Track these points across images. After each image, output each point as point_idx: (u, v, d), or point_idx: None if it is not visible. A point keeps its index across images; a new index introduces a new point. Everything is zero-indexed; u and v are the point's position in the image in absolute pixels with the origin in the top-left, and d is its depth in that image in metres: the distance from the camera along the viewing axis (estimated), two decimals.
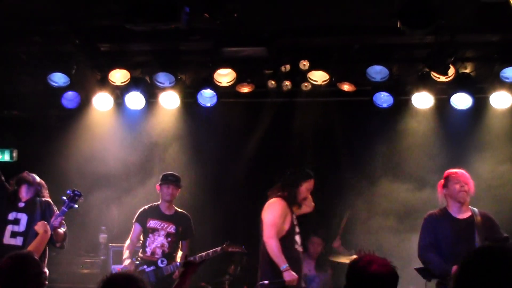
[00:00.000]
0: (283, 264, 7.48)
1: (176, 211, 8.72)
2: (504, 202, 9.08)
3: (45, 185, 7.99)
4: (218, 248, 8.34)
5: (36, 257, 5.05)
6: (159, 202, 8.68)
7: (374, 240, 9.36)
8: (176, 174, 8.68)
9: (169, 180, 8.60)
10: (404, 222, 9.25)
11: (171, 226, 8.57)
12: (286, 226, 7.81)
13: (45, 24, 8.37)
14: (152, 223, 8.59)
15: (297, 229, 7.95)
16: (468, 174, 7.23)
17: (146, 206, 8.72)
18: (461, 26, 7.94)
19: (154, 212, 8.65)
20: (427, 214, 7.29)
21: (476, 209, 7.16)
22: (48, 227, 7.51)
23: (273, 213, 7.79)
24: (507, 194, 9.33)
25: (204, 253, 8.22)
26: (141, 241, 8.57)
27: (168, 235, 8.55)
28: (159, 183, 8.66)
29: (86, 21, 8.31)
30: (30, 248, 7.22)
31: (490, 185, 9.18)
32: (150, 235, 8.55)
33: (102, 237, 9.69)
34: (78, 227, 9.67)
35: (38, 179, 7.95)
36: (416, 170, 9.76)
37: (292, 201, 7.93)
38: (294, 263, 7.64)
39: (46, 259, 7.64)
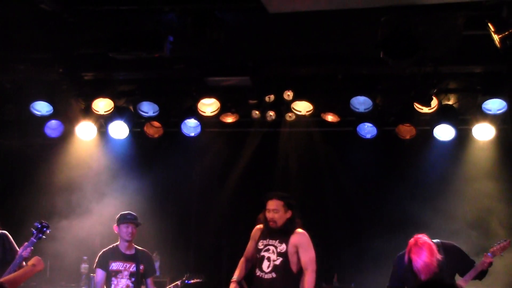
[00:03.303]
0: None
1: (136, 249, 8.55)
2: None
3: None
4: (178, 282, 8.26)
5: None
6: (118, 243, 8.52)
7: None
8: (133, 213, 8.56)
9: (128, 219, 8.42)
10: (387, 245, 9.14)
11: (133, 265, 8.39)
12: None
13: (29, 52, 8.34)
14: (114, 265, 8.40)
15: None
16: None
17: (105, 249, 8.54)
18: (444, 58, 7.96)
19: (115, 254, 8.44)
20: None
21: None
22: (42, 263, 7.40)
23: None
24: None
25: None
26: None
27: (131, 275, 8.40)
28: (117, 223, 8.52)
29: (70, 49, 8.29)
30: (10, 277, 7.06)
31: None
32: (113, 278, 8.35)
33: (84, 267, 9.54)
34: (59, 257, 9.58)
35: None
36: (400, 200, 9.68)
37: None
38: None
39: None
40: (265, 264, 7.50)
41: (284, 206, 7.53)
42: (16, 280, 7.07)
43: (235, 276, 7.73)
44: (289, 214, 7.55)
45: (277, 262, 7.44)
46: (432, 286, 2.74)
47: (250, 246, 7.82)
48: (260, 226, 7.80)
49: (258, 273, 7.52)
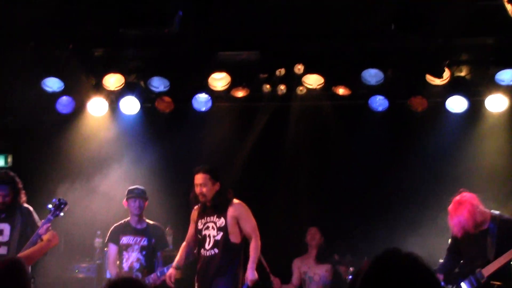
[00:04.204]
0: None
1: (147, 223, 8.64)
2: None
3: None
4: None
5: (24, 263, 5.00)
6: (128, 218, 8.62)
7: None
8: (140, 187, 8.61)
9: (135, 193, 8.54)
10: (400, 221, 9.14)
11: (144, 239, 8.50)
12: None
13: (39, 29, 8.32)
14: (124, 240, 8.52)
15: None
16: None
17: (116, 224, 8.66)
18: (455, 30, 7.90)
19: (126, 228, 8.57)
20: None
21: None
22: (56, 238, 7.47)
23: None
24: None
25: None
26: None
27: (142, 248, 8.49)
28: (125, 198, 8.60)
29: (79, 26, 8.27)
30: (26, 253, 7.13)
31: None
32: (124, 252, 8.48)
33: (98, 241, 9.59)
34: (73, 232, 9.66)
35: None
36: (412, 174, 9.67)
37: None
38: None
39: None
40: (207, 242, 7.58)
41: (211, 179, 7.57)
42: (32, 256, 7.18)
43: (175, 262, 7.82)
44: (217, 186, 7.61)
45: (218, 237, 7.53)
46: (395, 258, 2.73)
47: (190, 229, 7.88)
48: (197, 207, 7.83)
49: (202, 252, 7.60)
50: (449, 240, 7.24)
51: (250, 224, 7.59)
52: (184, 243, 7.94)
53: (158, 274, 8.20)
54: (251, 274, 7.40)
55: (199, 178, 7.57)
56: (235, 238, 7.55)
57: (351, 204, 9.72)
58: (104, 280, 8.35)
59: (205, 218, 7.67)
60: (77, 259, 9.90)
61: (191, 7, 7.44)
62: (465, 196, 6.89)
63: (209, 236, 7.56)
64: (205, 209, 7.68)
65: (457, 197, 6.89)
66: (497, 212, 6.94)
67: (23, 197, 7.76)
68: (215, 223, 7.58)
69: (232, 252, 7.56)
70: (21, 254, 7.04)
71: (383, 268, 2.64)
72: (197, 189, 7.58)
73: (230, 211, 7.59)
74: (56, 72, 9.10)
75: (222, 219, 7.55)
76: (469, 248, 6.86)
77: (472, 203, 6.80)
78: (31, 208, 7.71)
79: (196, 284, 7.74)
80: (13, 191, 7.64)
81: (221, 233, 7.52)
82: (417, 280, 2.60)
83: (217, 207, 7.62)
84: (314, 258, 9.58)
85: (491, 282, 6.72)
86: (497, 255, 6.71)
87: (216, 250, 7.49)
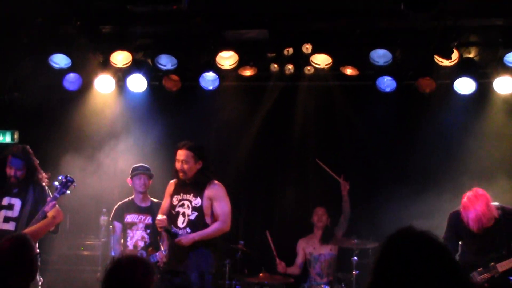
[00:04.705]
0: None
1: (152, 201, 8.67)
2: None
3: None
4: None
5: (30, 240, 5.04)
6: (133, 196, 8.64)
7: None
8: (145, 164, 8.64)
9: (140, 171, 8.58)
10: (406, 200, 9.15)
11: (148, 217, 8.54)
12: None
13: (46, 5, 8.31)
14: (129, 218, 8.56)
15: None
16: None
17: (121, 202, 8.69)
18: (464, 10, 7.87)
19: (130, 207, 8.60)
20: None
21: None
22: (61, 215, 7.50)
23: None
24: None
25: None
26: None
27: (146, 227, 8.53)
28: (130, 176, 8.62)
29: (87, 2, 8.27)
30: (31, 229, 7.18)
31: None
32: (129, 231, 8.52)
33: (103, 219, 9.60)
34: (78, 209, 9.70)
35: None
36: (419, 155, 9.67)
37: None
38: None
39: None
40: (180, 220, 7.40)
41: (194, 157, 7.38)
42: (37, 232, 7.24)
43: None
44: (199, 164, 7.40)
45: (192, 217, 7.37)
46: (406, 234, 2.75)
47: (165, 202, 7.69)
48: (174, 180, 7.69)
49: (173, 230, 7.39)
50: (445, 232, 7.26)
51: (222, 208, 7.40)
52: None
53: (164, 252, 8.20)
54: (184, 238, 7.22)
55: (181, 154, 7.38)
56: (209, 219, 7.37)
57: (358, 185, 9.71)
58: (109, 258, 8.37)
59: (181, 195, 7.49)
60: (83, 236, 9.98)
61: None
62: (480, 190, 6.98)
63: (183, 214, 7.40)
64: (183, 185, 7.49)
65: (471, 192, 6.94)
66: (497, 203, 7.02)
67: (41, 176, 7.76)
68: (190, 202, 7.41)
69: None
70: (27, 230, 7.08)
71: (398, 245, 2.67)
72: (178, 165, 7.39)
73: (207, 192, 7.41)
74: (64, 49, 9.13)
75: (199, 199, 7.38)
76: (482, 241, 6.89)
77: (487, 197, 6.92)
78: (45, 186, 7.72)
79: (166, 262, 7.70)
80: (27, 167, 7.66)
81: (196, 213, 7.36)
82: (432, 255, 2.62)
83: (196, 186, 7.43)
84: (319, 239, 9.62)
85: (509, 277, 6.87)
86: (509, 248, 6.88)
87: (189, 230, 7.31)
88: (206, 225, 7.34)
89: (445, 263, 2.64)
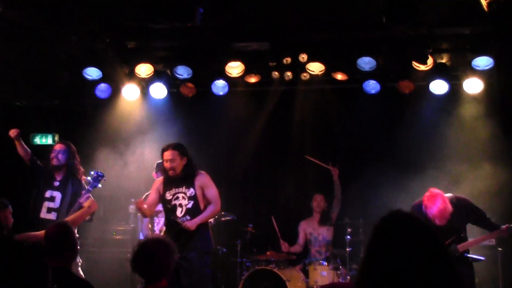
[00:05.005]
0: None
1: None
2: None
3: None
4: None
5: (71, 226, 5.18)
6: None
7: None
8: None
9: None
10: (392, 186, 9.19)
11: None
12: None
13: (79, 25, 8.40)
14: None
15: None
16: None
17: (147, 193, 8.68)
18: (437, 21, 7.92)
19: None
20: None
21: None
22: (95, 204, 7.56)
23: None
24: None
25: None
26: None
27: None
28: (155, 170, 8.64)
29: (114, 21, 8.34)
30: (70, 218, 7.24)
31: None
32: (156, 218, 8.43)
33: (132, 208, 9.71)
34: (110, 199, 9.81)
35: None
36: (401, 146, 9.72)
37: None
38: None
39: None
40: (178, 211, 7.33)
41: (179, 155, 7.32)
42: (76, 220, 7.31)
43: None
44: (184, 160, 7.35)
45: (189, 206, 7.30)
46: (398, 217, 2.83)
47: (151, 198, 7.55)
48: (160, 179, 7.65)
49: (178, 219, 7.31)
50: None
51: (212, 193, 7.36)
52: None
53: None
54: (189, 223, 7.15)
55: (168, 154, 7.32)
56: (202, 204, 7.33)
57: (350, 173, 9.78)
58: (137, 241, 8.42)
59: (173, 189, 7.40)
60: (114, 223, 10.04)
61: (211, 3, 7.47)
62: (435, 190, 6.99)
63: (180, 205, 7.31)
64: (173, 181, 7.42)
65: (428, 193, 6.95)
66: (450, 194, 7.08)
67: (80, 171, 7.82)
68: (185, 193, 7.33)
69: None
70: (67, 219, 7.13)
71: (390, 224, 2.76)
72: (167, 165, 7.32)
73: (197, 181, 7.36)
74: (95, 63, 9.22)
75: (191, 189, 7.31)
76: (444, 229, 6.87)
77: (442, 194, 6.93)
78: (82, 181, 7.78)
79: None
80: (69, 160, 7.73)
81: (192, 202, 7.29)
82: (418, 232, 2.76)
83: (185, 178, 7.36)
84: (318, 221, 9.70)
85: (465, 254, 7.02)
86: (465, 230, 7.09)
87: (189, 217, 7.23)
88: (201, 211, 7.31)
89: (428, 238, 2.77)
